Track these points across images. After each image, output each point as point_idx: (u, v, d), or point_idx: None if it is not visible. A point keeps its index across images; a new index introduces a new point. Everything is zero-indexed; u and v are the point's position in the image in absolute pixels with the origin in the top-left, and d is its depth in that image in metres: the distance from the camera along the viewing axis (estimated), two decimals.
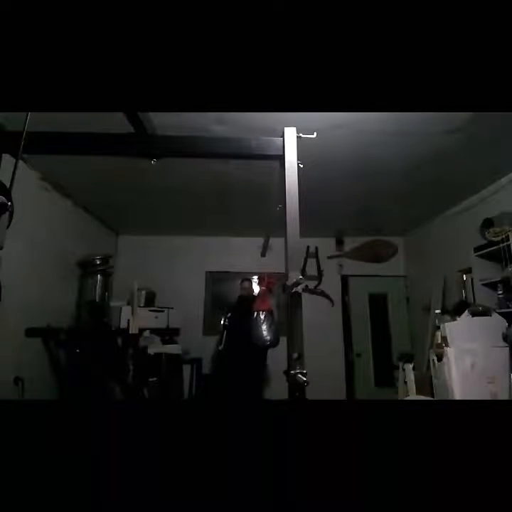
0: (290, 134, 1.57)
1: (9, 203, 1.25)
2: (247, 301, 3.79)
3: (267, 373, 3.93)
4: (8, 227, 1.27)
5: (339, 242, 4.99)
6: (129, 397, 3.24)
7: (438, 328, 2.64)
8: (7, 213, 1.24)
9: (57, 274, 3.40)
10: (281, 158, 1.56)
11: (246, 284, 4.24)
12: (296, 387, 1.26)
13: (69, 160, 2.66)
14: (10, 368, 2.67)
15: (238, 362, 3.57)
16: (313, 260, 4.83)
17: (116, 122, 1.63)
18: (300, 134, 1.57)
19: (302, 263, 4.43)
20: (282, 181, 1.52)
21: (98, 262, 3.79)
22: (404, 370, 2.96)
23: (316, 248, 4.85)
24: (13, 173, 1.29)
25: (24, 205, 2.71)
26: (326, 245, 4.91)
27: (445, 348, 2.42)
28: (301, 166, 1.52)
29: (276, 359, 3.06)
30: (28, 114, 1.35)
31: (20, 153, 1.30)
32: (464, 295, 3.53)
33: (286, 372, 1.31)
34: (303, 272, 4.36)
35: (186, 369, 4.11)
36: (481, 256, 3.10)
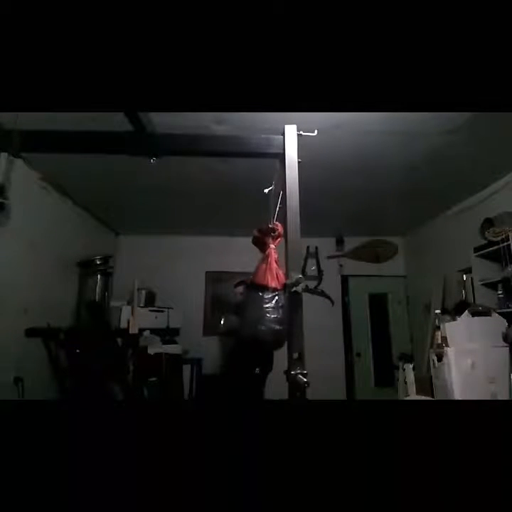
0: (291, 132, 1.56)
1: None
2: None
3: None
4: None
5: (339, 242, 4.98)
6: (129, 397, 3.24)
7: (438, 328, 2.64)
8: None
9: (57, 274, 3.39)
10: (281, 156, 1.55)
11: (241, 289, 2.87)
12: (297, 388, 1.25)
13: (69, 160, 2.66)
14: (10, 367, 2.67)
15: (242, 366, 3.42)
16: (313, 260, 4.84)
17: (115, 121, 1.63)
18: (301, 132, 1.56)
19: (302, 263, 4.43)
20: (283, 179, 1.52)
21: (98, 262, 3.78)
22: (404, 370, 2.96)
23: (316, 248, 4.85)
24: None
25: (24, 205, 2.72)
26: (326, 245, 4.91)
27: (445, 348, 2.42)
28: (300, 160, 1.52)
29: (277, 359, 3.04)
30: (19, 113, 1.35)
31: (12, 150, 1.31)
32: (464, 295, 3.53)
33: (287, 373, 1.31)
34: (303, 271, 4.36)
35: (186, 369, 4.11)
36: (481, 256, 3.10)
